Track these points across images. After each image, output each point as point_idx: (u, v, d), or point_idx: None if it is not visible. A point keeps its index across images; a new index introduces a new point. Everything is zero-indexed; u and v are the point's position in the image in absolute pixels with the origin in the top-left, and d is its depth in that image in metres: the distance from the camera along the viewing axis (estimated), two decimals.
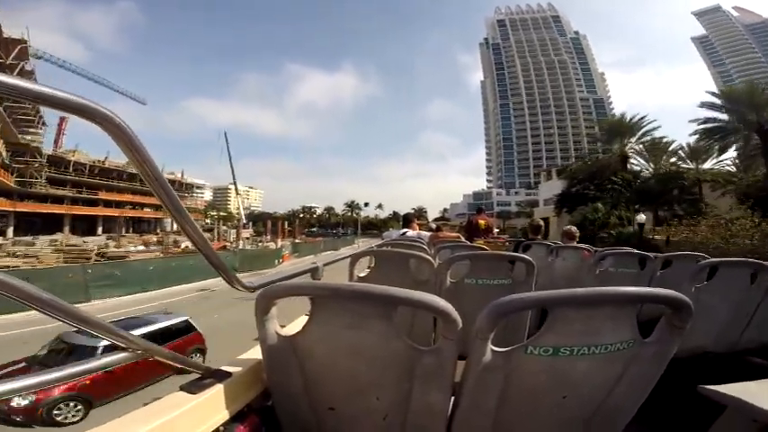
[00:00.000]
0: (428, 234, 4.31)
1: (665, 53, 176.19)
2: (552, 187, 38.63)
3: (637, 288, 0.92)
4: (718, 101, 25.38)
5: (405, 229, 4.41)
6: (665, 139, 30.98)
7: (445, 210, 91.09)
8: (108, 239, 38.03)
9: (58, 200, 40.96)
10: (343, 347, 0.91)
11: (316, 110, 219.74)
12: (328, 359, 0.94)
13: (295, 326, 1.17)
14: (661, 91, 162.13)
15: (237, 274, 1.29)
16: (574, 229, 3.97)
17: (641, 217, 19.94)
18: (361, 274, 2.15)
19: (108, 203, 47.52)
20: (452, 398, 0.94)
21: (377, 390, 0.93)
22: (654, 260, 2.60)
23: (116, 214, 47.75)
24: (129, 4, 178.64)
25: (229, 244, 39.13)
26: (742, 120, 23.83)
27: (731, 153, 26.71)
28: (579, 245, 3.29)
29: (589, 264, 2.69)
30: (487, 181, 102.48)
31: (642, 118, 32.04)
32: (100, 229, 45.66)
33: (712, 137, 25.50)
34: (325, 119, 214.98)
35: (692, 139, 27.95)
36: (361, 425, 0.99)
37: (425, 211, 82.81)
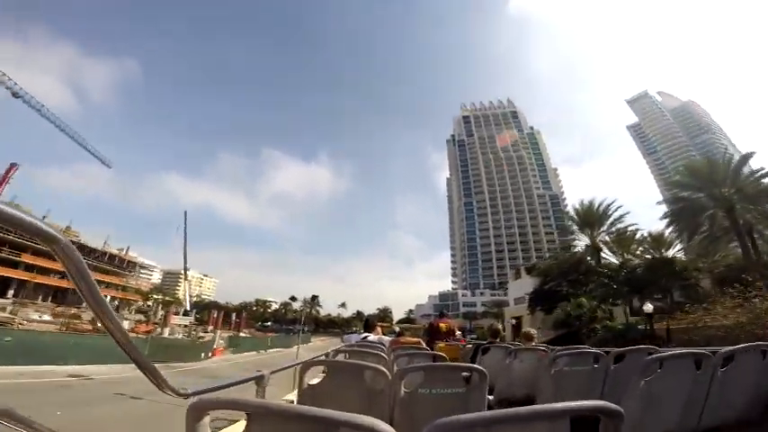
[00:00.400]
0: (389, 339, 4.25)
1: (607, 144, 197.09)
2: (522, 286, 38.46)
3: (569, 403, 0.98)
4: (677, 182, 25.95)
5: (366, 333, 4.36)
6: (629, 228, 30.66)
7: (410, 311, 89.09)
8: (13, 304, 33.75)
9: None
10: None
11: (288, 201, 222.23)
12: None
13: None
14: (607, 182, 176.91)
15: None
16: (533, 331, 4.19)
17: (648, 307, 18.91)
18: (313, 382, 2.06)
19: (30, 267, 42.78)
20: None
21: None
22: (606, 356, 2.72)
23: (26, 278, 42.82)
24: (133, 63, 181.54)
25: (152, 328, 34.27)
26: (710, 197, 23.42)
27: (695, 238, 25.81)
28: (537, 346, 3.39)
29: (545, 364, 2.76)
30: (452, 282, 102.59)
31: (609, 205, 31.46)
32: (11, 293, 40.77)
33: (682, 217, 25.12)
34: (296, 210, 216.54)
35: (654, 227, 28.58)
36: None
37: (390, 312, 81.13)
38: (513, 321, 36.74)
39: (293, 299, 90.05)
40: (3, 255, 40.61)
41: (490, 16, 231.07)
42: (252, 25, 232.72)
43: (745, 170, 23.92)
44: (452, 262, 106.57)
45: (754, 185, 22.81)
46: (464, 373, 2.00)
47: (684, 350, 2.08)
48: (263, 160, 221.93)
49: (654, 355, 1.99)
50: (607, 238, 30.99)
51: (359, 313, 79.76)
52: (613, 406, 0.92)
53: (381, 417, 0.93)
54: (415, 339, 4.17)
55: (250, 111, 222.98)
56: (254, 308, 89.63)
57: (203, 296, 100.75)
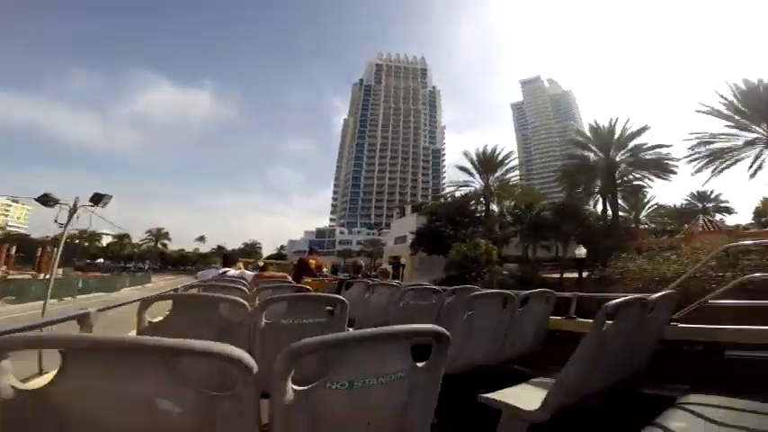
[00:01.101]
0: (252, 274, 4.08)
1: (492, 118, 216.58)
2: (406, 224, 35.92)
3: (409, 326, 1.10)
4: (581, 140, 28.07)
5: (226, 268, 4.07)
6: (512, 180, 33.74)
7: (282, 247, 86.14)
8: None
9: None
10: (113, 402, 0.80)
11: (149, 123, 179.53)
12: (91, 417, 0.81)
13: (43, 379, 0.90)
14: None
15: None
16: (389, 268, 4.62)
17: (581, 251, 17.11)
18: (156, 320, 1.82)
19: None
20: None
21: None
22: (443, 293, 3.24)
23: None
24: None
25: None
26: (606, 157, 25.58)
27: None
28: (390, 282, 3.80)
29: (396, 298, 3.16)
30: (330, 219, 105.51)
31: (508, 155, 32.82)
32: None
33: (579, 174, 26.89)
34: (162, 137, 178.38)
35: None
36: None
37: (260, 247, 75.07)
38: (392, 260, 35.11)
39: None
40: None
41: None
42: None
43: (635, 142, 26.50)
44: (333, 199, 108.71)
45: (638, 153, 25.95)
46: (328, 307, 2.09)
47: (496, 291, 2.55)
48: (131, 80, 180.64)
49: (474, 293, 2.41)
50: (495, 185, 31.66)
51: (220, 248, 71.21)
52: (442, 329, 1.07)
53: (239, 347, 0.88)
54: (281, 274, 4.14)
55: (115, 21, 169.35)
56: (78, 241, 67.99)
57: (11, 227, 76.41)
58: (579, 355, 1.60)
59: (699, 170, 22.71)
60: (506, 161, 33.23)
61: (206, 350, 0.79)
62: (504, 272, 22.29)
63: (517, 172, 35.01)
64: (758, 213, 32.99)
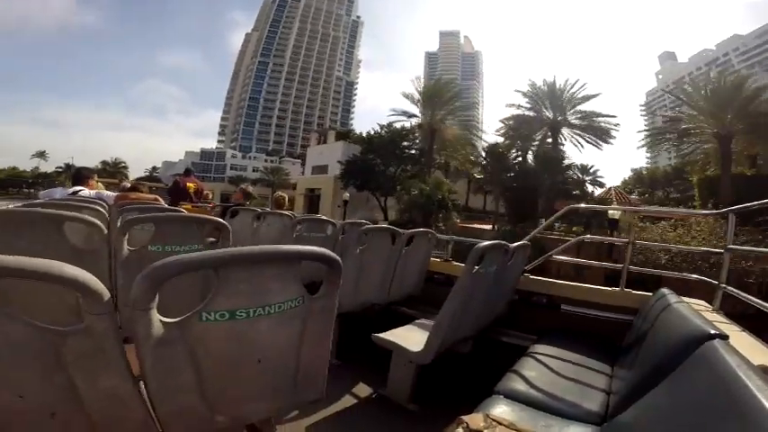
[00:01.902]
0: (113, 194, 3.44)
1: (404, 64, 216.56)
2: (328, 153, 31.53)
3: (296, 246, 1.02)
4: (523, 98, 27.18)
5: (78, 187, 3.31)
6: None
7: (155, 168, 71.87)
8: None
9: None
10: None
11: None
12: None
13: None
14: (384, 96, 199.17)
15: None
16: (283, 197, 4.42)
17: (614, 212, 12.86)
18: None
19: None
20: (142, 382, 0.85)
21: (10, 388, 0.74)
22: (336, 227, 3.28)
23: None
24: None
25: None
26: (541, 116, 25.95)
27: None
28: (283, 212, 3.67)
29: (288, 228, 3.08)
30: (219, 142, 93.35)
31: (462, 88, 30.00)
32: None
33: (520, 130, 26.73)
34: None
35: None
36: (15, 425, 0.79)
37: (125, 167, 56.91)
38: (308, 192, 32.07)
39: None
40: None
41: None
42: None
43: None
44: (223, 119, 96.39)
45: (589, 117, 26.36)
46: (210, 239, 1.87)
47: (384, 226, 2.64)
48: None
49: (364, 227, 2.46)
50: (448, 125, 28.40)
51: (68, 167, 53.92)
52: (332, 253, 1.01)
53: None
54: (152, 196, 3.55)
55: None
56: None
57: None
58: (453, 297, 1.76)
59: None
60: (455, 98, 29.18)
61: (36, 270, 0.66)
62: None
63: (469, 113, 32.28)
64: (625, 183, 41.11)
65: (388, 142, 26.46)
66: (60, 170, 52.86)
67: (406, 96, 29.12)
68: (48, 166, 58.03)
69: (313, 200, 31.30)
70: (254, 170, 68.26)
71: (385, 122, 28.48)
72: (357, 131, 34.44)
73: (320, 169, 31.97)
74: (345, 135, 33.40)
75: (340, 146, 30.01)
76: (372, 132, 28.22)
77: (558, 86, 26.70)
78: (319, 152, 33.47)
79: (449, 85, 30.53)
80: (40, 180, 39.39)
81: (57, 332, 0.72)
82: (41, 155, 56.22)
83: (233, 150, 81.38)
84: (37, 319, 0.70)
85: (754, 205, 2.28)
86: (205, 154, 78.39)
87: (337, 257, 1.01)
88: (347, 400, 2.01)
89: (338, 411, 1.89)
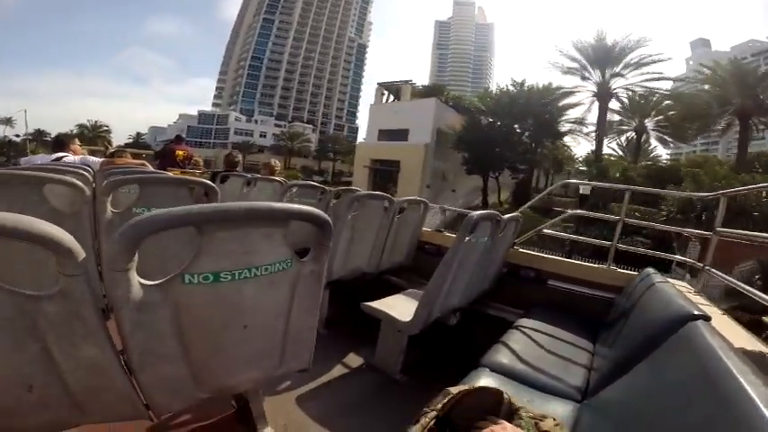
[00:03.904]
0: (98, 160, 3.33)
1: (409, 30, 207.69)
2: (408, 113, 23.90)
3: (285, 204, 0.99)
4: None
5: (61, 153, 3.21)
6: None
7: (139, 134, 63.79)
8: None
9: None
10: None
11: None
12: None
13: None
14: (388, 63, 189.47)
15: None
16: (275, 162, 4.33)
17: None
18: None
19: None
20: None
21: None
22: (328, 192, 3.25)
23: None
24: None
25: None
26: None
27: None
28: (274, 177, 3.59)
29: (279, 193, 3.08)
30: (215, 105, 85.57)
31: (639, 41, 21.60)
32: None
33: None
34: None
35: None
36: None
37: (107, 131, 48.98)
38: (373, 165, 25.25)
39: None
40: None
41: None
42: None
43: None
44: (220, 81, 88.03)
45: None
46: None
47: (379, 193, 2.61)
48: None
49: (357, 194, 2.45)
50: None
51: (40, 133, 47.64)
52: (323, 213, 0.97)
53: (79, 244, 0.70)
54: (139, 161, 3.46)
55: None
56: None
57: None
58: (444, 265, 1.76)
59: None
60: (635, 56, 21.31)
61: (3, 225, 0.60)
62: None
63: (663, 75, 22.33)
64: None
65: (523, 104, 19.64)
66: (29, 138, 45.49)
67: (579, 49, 21.77)
68: (16, 133, 49.01)
69: (383, 175, 24.88)
70: (261, 135, 61.00)
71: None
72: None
73: (394, 135, 24.52)
74: (434, 91, 26.23)
75: (432, 105, 22.90)
76: (498, 89, 21.09)
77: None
78: (393, 111, 25.34)
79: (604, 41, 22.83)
80: (5, 150, 35.77)
81: (29, 297, 0.68)
82: (8, 121, 48.39)
83: (236, 113, 71.87)
84: (12, 285, 0.66)
85: (743, 190, 2.31)
86: (204, 117, 67.64)
87: (327, 218, 0.97)
88: (336, 371, 2.02)
89: (326, 382, 1.90)
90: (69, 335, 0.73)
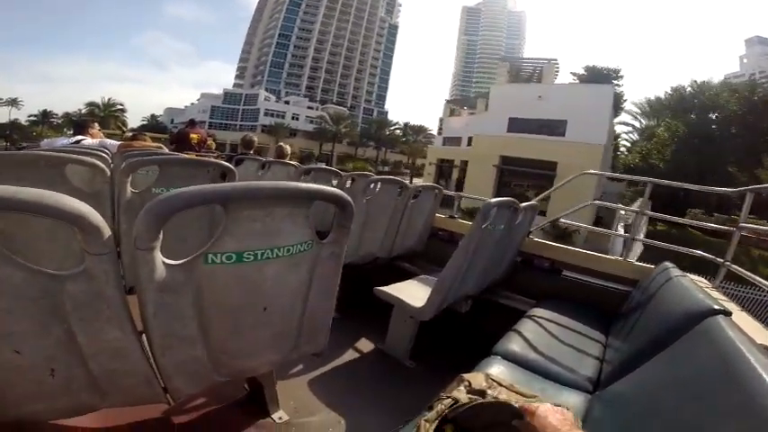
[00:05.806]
0: (116, 143, 3.40)
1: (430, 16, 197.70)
2: (560, 98, 17.84)
3: (309, 185, 0.98)
4: None
5: (79, 137, 3.30)
6: None
7: (154, 116, 60.50)
8: None
9: None
10: None
11: None
12: None
13: None
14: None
15: None
16: (288, 148, 4.32)
17: None
18: None
19: None
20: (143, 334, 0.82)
21: (6, 341, 0.69)
22: (343, 176, 3.25)
23: None
24: None
25: None
26: None
27: None
28: (288, 161, 3.60)
29: (293, 176, 3.11)
30: (236, 84, 79.34)
31: None
32: None
33: None
34: None
35: None
36: (15, 385, 0.75)
37: (121, 109, 45.17)
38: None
39: None
40: None
41: None
42: None
43: None
44: (242, 61, 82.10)
45: None
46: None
47: (393, 177, 2.61)
48: None
49: (372, 178, 2.44)
50: None
51: (45, 115, 44.64)
52: (345, 195, 0.98)
53: None
54: (156, 144, 3.51)
55: None
56: None
57: None
58: (459, 252, 1.74)
59: None
60: None
61: (27, 200, 0.57)
62: None
63: None
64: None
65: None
66: (34, 119, 45.16)
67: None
68: (20, 115, 48.20)
69: (522, 177, 19.11)
70: (294, 117, 54.00)
71: None
72: None
73: (540, 126, 18.18)
74: (597, 76, 19.11)
75: (609, 93, 17.23)
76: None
77: None
78: (536, 96, 18.78)
79: None
80: (8, 132, 35.16)
81: (54, 277, 0.66)
82: (13, 102, 45.73)
83: (266, 93, 61.64)
84: (36, 265, 0.65)
85: None
86: (230, 96, 58.06)
87: (350, 199, 0.96)
88: (348, 355, 2.03)
89: (337, 366, 1.91)
90: (93, 316, 0.72)
